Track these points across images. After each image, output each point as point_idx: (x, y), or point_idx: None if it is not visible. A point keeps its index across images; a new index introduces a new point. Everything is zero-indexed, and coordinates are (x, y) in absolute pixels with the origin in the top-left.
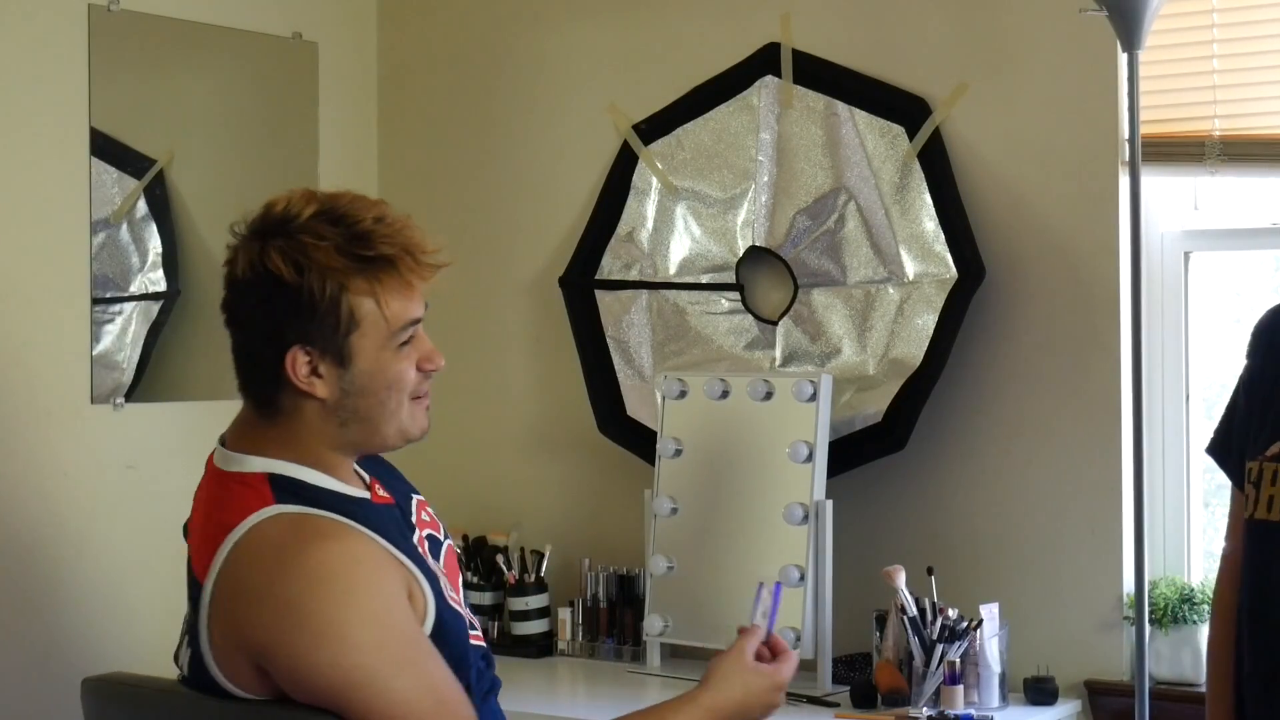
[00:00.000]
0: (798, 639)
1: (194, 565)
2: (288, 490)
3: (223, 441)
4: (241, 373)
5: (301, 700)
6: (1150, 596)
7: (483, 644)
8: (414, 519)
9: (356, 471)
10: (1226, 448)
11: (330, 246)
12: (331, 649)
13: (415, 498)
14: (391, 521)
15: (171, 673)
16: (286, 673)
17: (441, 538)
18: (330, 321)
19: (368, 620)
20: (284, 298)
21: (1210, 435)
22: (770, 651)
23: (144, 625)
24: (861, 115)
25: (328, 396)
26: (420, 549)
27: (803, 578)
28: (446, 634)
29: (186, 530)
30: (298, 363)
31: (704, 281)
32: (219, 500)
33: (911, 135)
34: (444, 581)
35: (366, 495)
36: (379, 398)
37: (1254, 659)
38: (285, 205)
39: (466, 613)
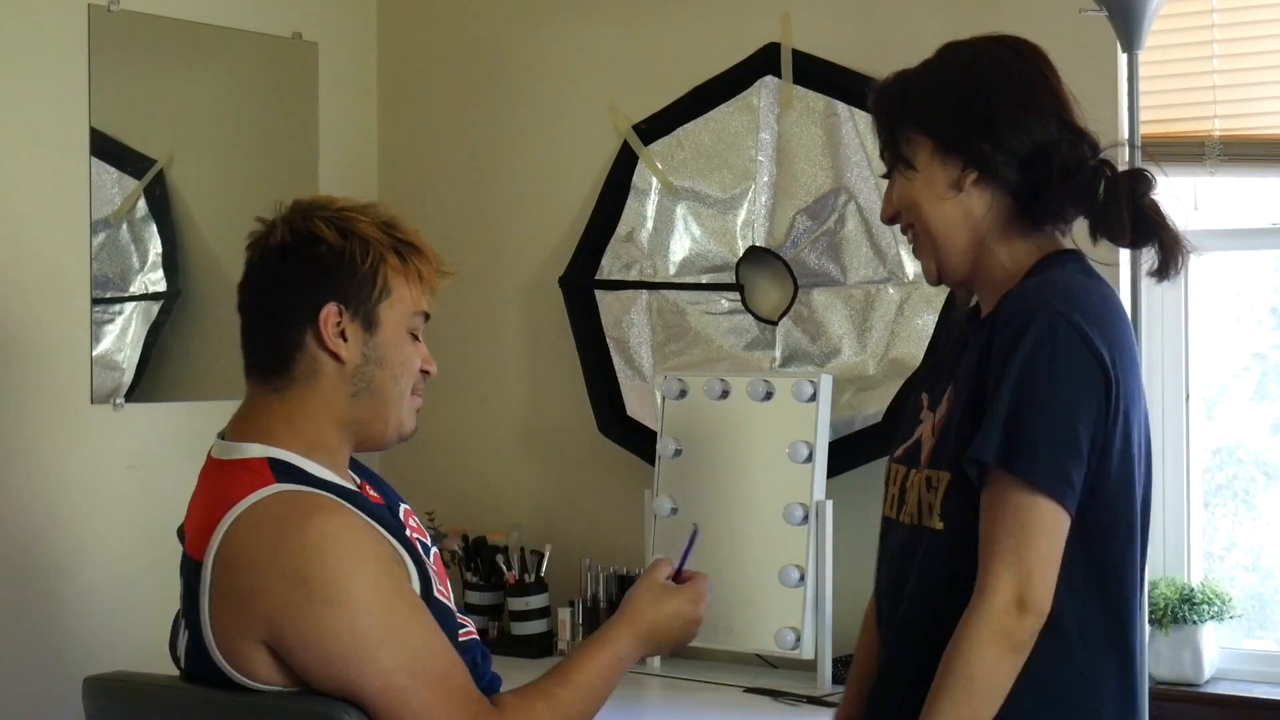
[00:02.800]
0: (798, 639)
1: (190, 547)
2: (287, 473)
3: (221, 436)
4: (259, 344)
5: (313, 672)
6: (1150, 596)
7: (475, 636)
8: (402, 523)
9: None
10: None
11: (370, 223)
12: (345, 613)
13: (403, 506)
14: (384, 515)
15: (171, 670)
16: (298, 643)
17: (429, 544)
18: (368, 284)
19: (372, 583)
20: (327, 257)
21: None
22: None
23: (144, 625)
24: (861, 115)
25: (349, 359)
26: (412, 543)
27: (803, 578)
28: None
29: (181, 534)
30: (329, 320)
31: (704, 281)
32: (218, 484)
33: None
34: (434, 574)
35: (358, 491)
36: (394, 373)
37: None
38: (312, 198)
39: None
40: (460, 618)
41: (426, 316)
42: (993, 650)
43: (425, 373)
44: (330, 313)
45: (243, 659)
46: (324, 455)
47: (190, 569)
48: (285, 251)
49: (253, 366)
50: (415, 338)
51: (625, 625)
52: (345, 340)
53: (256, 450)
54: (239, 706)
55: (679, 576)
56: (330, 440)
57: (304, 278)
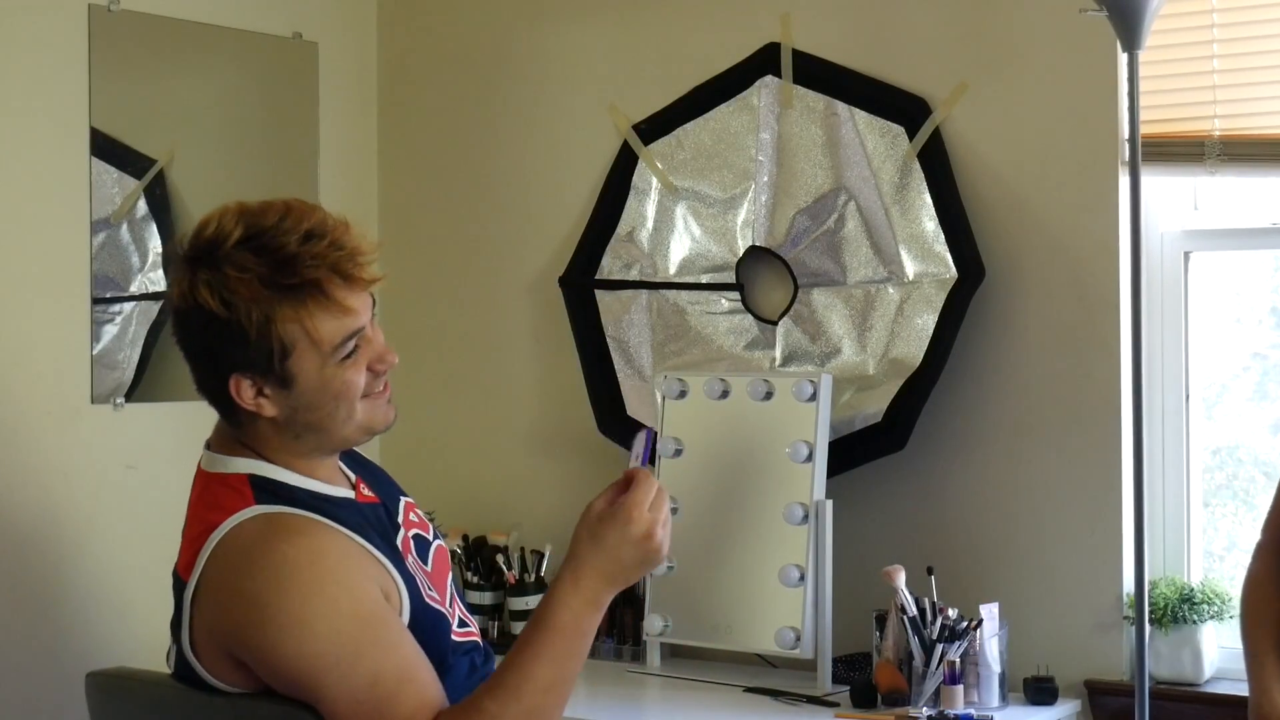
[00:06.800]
0: (798, 639)
1: (180, 564)
2: (266, 490)
3: (208, 445)
4: (199, 387)
5: (277, 688)
6: (1150, 596)
7: (476, 638)
8: (400, 519)
9: (343, 469)
10: None
11: (253, 278)
12: (295, 640)
13: (404, 499)
14: (373, 520)
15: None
16: (258, 664)
17: (430, 538)
18: (264, 349)
19: (328, 611)
20: (216, 329)
21: None
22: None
23: (144, 624)
24: (861, 115)
25: (276, 415)
26: (403, 548)
27: (803, 578)
28: (421, 633)
29: None
30: (242, 388)
31: (704, 281)
32: (204, 501)
33: (911, 135)
34: (422, 581)
35: (350, 494)
36: (327, 410)
37: None
38: (215, 228)
39: (456, 611)
40: (463, 617)
41: (361, 325)
42: None
43: (381, 371)
44: (240, 384)
45: (219, 669)
46: (305, 465)
47: (178, 585)
48: (182, 317)
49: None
50: (351, 354)
51: (567, 585)
52: (268, 397)
53: (239, 465)
54: (219, 706)
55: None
56: (301, 462)
57: (204, 347)
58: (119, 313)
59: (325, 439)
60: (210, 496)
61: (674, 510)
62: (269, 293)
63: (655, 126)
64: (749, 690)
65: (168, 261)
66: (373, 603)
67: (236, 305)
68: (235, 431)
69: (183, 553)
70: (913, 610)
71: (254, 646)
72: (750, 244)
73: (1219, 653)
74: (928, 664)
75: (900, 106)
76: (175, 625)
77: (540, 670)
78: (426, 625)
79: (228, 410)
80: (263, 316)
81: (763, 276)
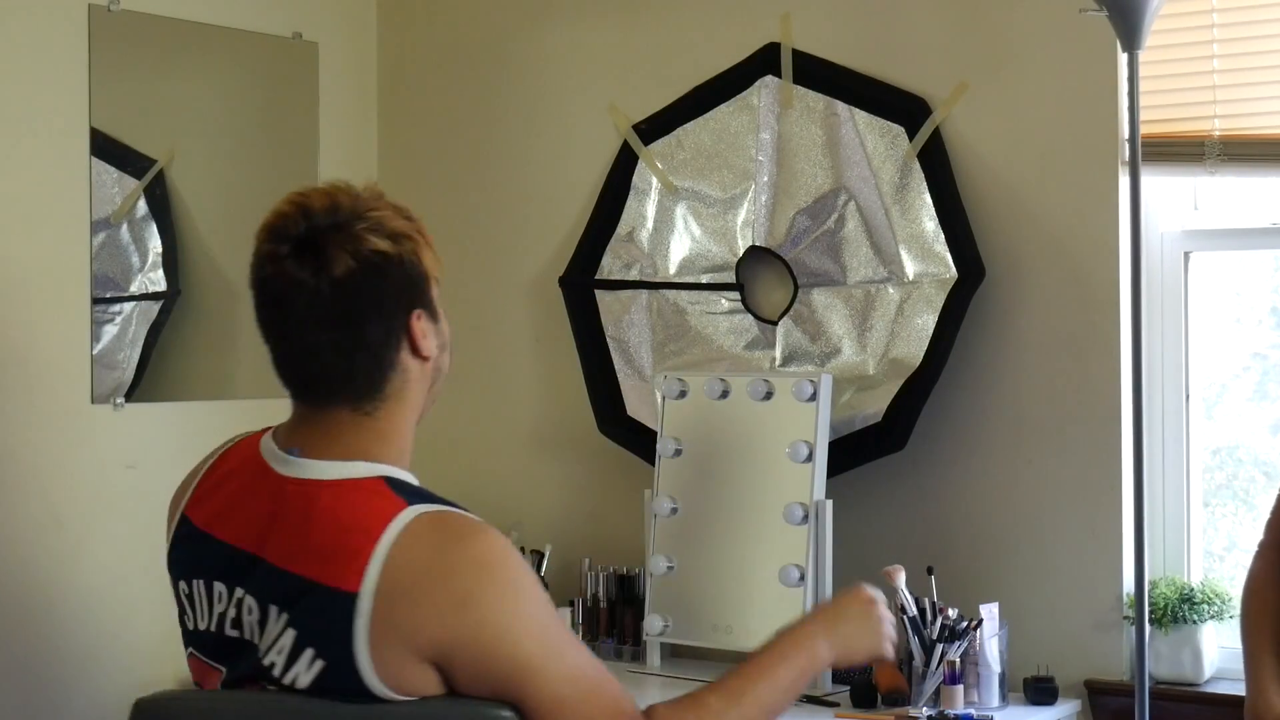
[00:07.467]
0: None
1: (322, 574)
2: (407, 491)
3: (290, 450)
4: (354, 377)
5: (480, 688)
6: (1150, 596)
7: None
8: None
9: None
10: None
11: (391, 213)
12: (512, 637)
13: None
14: None
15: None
16: (470, 664)
17: None
18: (422, 278)
19: (533, 607)
20: (391, 269)
21: None
22: None
23: (144, 624)
24: (861, 115)
25: (432, 355)
26: None
27: (803, 578)
28: None
29: (240, 554)
30: (418, 329)
31: (704, 281)
32: (332, 508)
33: (911, 135)
34: None
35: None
36: (449, 349)
37: None
38: (338, 196)
39: None
40: None
41: None
42: None
43: None
44: (417, 322)
45: (404, 676)
46: (408, 465)
47: (329, 597)
48: (354, 282)
49: (337, 395)
50: None
51: (815, 633)
52: (425, 336)
53: (364, 469)
54: (398, 713)
55: None
56: (409, 446)
57: (386, 296)
58: (119, 313)
59: (436, 391)
60: (340, 501)
61: (674, 510)
62: (405, 221)
63: (655, 126)
64: None
65: (169, 261)
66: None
67: (399, 237)
68: (363, 421)
69: (329, 564)
70: (913, 610)
71: (468, 651)
72: (750, 244)
73: (1219, 653)
74: (928, 664)
75: (900, 106)
76: (325, 643)
77: (763, 688)
78: None
79: (378, 383)
80: (414, 245)
81: (763, 276)
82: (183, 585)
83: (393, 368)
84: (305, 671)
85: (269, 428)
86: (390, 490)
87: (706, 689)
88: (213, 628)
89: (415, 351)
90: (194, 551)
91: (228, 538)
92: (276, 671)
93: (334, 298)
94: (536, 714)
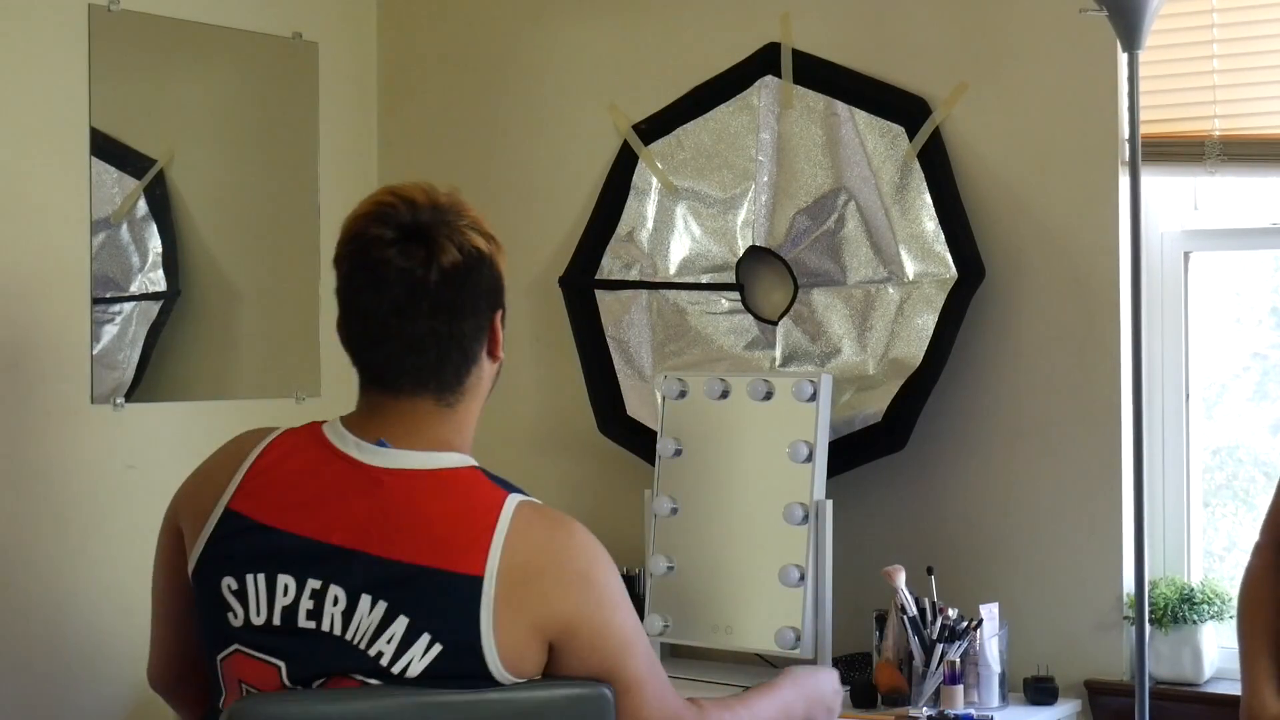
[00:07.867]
0: (798, 639)
1: (444, 560)
2: (499, 481)
3: (377, 442)
4: (445, 366)
5: (590, 664)
6: (1150, 596)
7: None
8: None
9: None
10: None
11: (480, 216)
12: (621, 610)
13: None
14: None
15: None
16: (588, 639)
17: None
18: (503, 283)
19: (624, 589)
20: (489, 269)
21: None
22: None
23: (144, 624)
24: (861, 115)
25: (502, 356)
26: None
27: (803, 578)
28: None
29: (337, 550)
30: (499, 328)
31: (704, 281)
32: (438, 495)
33: (911, 135)
34: None
35: None
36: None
37: None
38: (421, 196)
39: None
40: None
41: None
42: None
43: None
44: (499, 323)
45: (524, 658)
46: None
47: (449, 582)
48: (460, 274)
49: (427, 384)
50: None
51: (788, 679)
52: (501, 341)
53: (457, 459)
54: (513, 695)
55: None
56: (472, 441)
57: (482, 294)
58: (119, 313)
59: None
60: (453, 491)
61: (674, 510)
62: (488, 228)
63: (655, 126)
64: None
65: (169, 261)
66: None
67: (491, 239)
68: (445, 414)
69: (441, 550)
70: (913, 610)
71: (591, 625)
72: (750, 244)
73: (1219, 653)
74: (928, 664)
75: (900, 106)
76: (444, 627)
77: (769, 714)
78: None
79: (462, 376)
80: (497, 249)
81: (763, 276)
82: (229, 581)
83: (475, 362)
84: (420, 658)
85: (316, 422)
86: (488, 479)
87: (736, 699)
88: (276, 620)
89: (492, 351)
90: (251, 545)
91: (300, 530)
92: (385, 661)
93: (439, 287)
94: (627, 692)
